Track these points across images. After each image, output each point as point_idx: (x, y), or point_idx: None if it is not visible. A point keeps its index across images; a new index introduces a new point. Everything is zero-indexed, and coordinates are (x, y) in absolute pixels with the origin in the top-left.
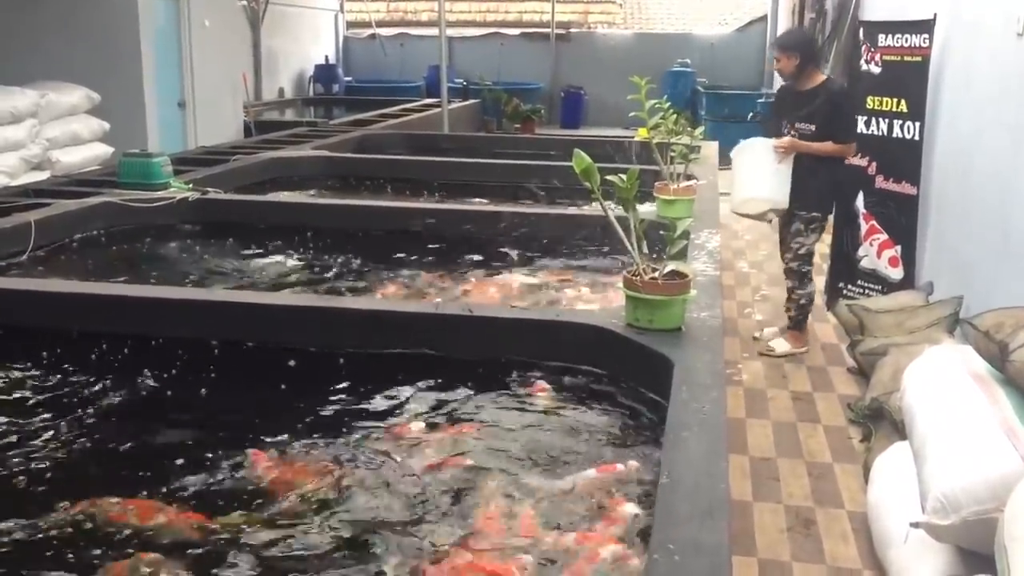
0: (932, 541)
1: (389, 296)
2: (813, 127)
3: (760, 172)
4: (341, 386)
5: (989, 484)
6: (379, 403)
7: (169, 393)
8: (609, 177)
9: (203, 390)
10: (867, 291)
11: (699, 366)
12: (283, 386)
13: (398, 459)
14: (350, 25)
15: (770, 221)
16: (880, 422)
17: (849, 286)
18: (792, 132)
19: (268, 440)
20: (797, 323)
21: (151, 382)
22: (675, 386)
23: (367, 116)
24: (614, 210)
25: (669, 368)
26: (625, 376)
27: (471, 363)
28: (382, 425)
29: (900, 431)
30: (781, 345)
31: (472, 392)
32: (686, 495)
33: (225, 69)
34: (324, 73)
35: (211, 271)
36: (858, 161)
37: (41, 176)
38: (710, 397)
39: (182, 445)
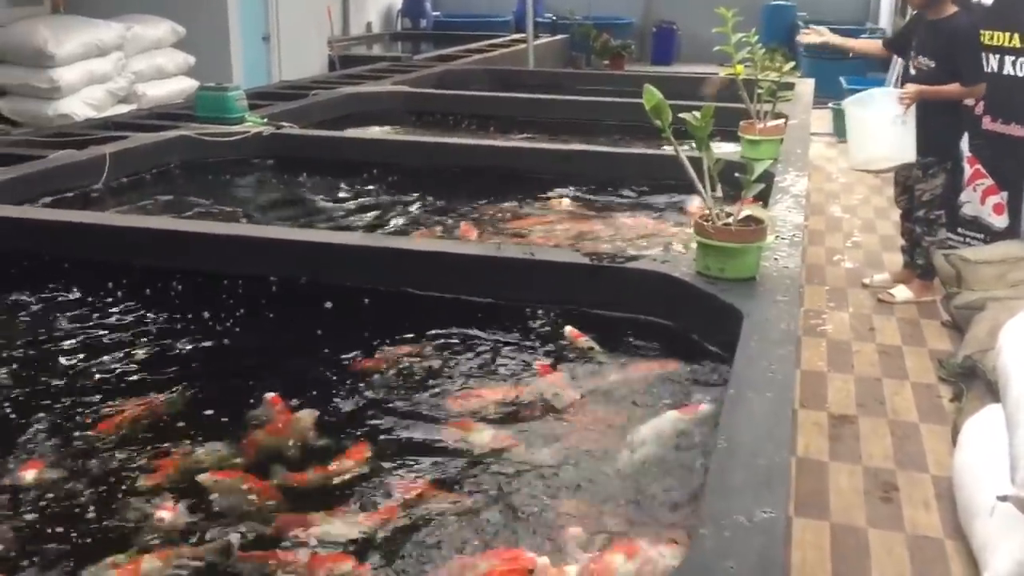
0: (1021, 516)
1: (455, 236)
2: (933, 64)
3: (884, 130)
4: (397, 328)
5: None
6: (434, 353)
7: (226, 329)
8: (682, 115)
9: (256, 328)
10: (967, 240)
11: (771, 319)
12: (334, 327)
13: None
14: None
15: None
16: (973, 381)
17: (949, 234)
18: (914, 65)
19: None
20: (926, 272)
21: (208, 319)
22: (743, 340)
23: (452, 51)
24: (690, 151)
25: (739, 320)
26: (692, 327)
27: (528, 309)
28: (438, 382)
29: (994, 393)
30: (903, 293)
31: (527, 340)
32: (743, 462)
33: (310, 3)
34: (412, 7)
35: (280, 207)
36: (965, 100)
37: (128, 109)
38: (780, 354)
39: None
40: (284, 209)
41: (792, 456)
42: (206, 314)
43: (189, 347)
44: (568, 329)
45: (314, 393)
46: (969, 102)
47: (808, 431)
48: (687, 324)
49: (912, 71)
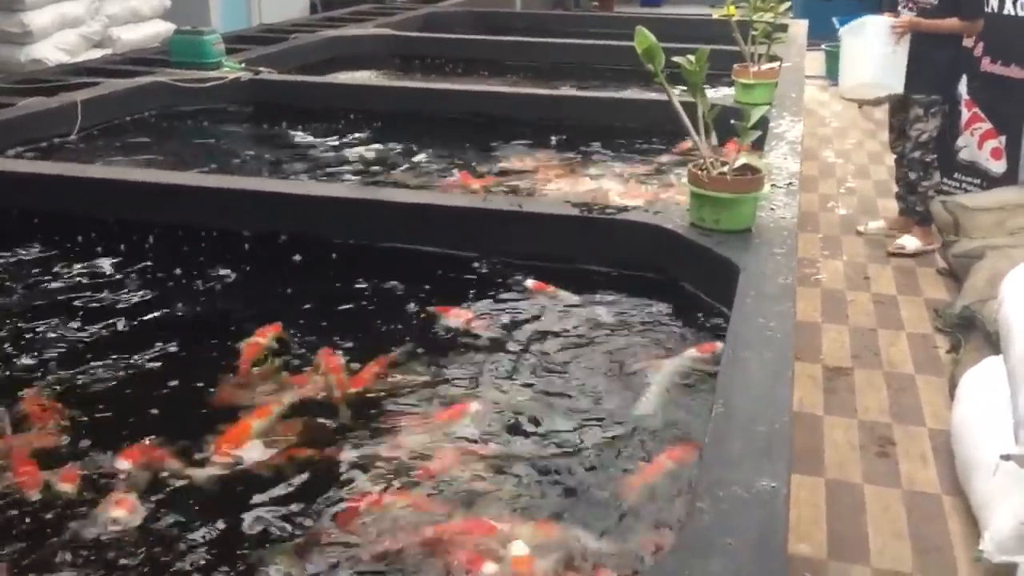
0: (1022, 472)
1: (441, 186)
2: (936, 0)
3: (874, 54)
4: (379, 282)
5: None
6: (416, 305)
7: (201, 286)
8: (676, 58)
9: (224, 280)
10: (964, 185)
11: (768, 273)
12: (313, 280)
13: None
14: None
15: (883, 104)
16: (971, 332)
17: (944, 179)
18: (909, 6)
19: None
20: (925, 218)
21: (179, 272)
22: (739, 296)
23: None
24: (684, 96)
25: (735, 274)
26: (687, 280)
27: (517, 263)
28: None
29: (993, 344)
30: (911, 242)
31: (516, 296)
32: (741, 429)
33: None
34: None
35: (258, 156)
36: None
37: (102, 53)
38: (778, 310)
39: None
40: (262, 159)
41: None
42: (180, 270)
43: (163, 307)
44: (530, 282)
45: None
46: (968, 43)
47: (803, 384)
48: (682, 277)
49: (909, 12)
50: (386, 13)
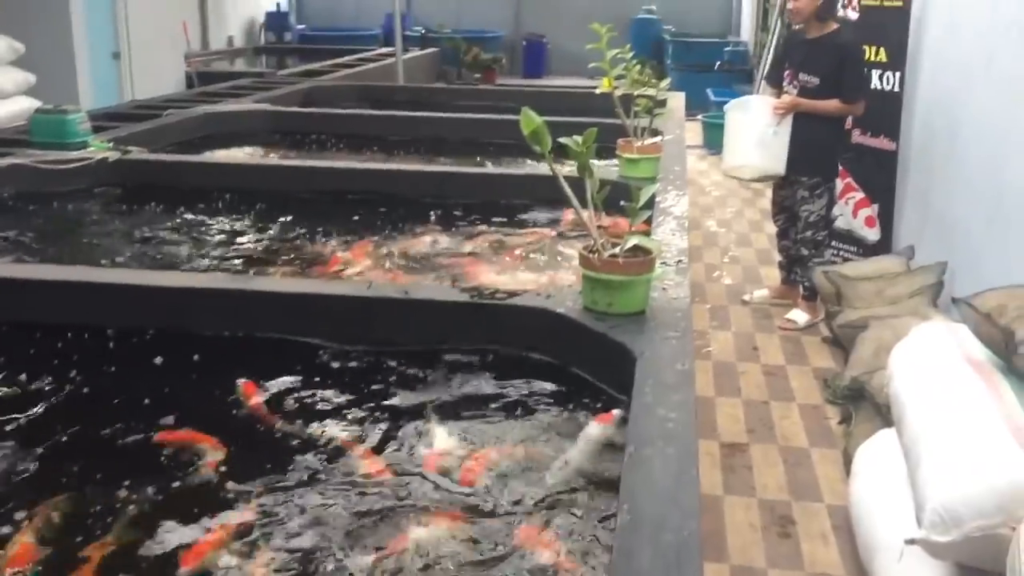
0: (928, 558)
1: (319, 271)
2: (817, 80)
3: (755, 135)
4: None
5: (996, 494)
6: (294, 401)
7: (54, 388)
8: (562, 140)
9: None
10: (841, 252)
11: (665, 359)
12: (186, 377)
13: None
14: None
15: (767, 182)
16: (861, 403)
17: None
18: (794, 83)
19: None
20: (813, 292)
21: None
22: (637, 386)
23: (319, 66)
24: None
25: (631, 362)
26: (582, 367)
27: (406, 352)
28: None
29: (884, 415)
30: (801, 317)
31: (404, 387)
32: (649, 537)
33: (164, 17)
34: (276, 20)
35: (125, 242)
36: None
37: None
38: (677, 399)
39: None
40: (127, 245)
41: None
42: (26, 375)
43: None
44: (241, 383)
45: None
46: None
47: (701, 463)
48: (576, 363)
49: (792, 90)
50: (265, 87)
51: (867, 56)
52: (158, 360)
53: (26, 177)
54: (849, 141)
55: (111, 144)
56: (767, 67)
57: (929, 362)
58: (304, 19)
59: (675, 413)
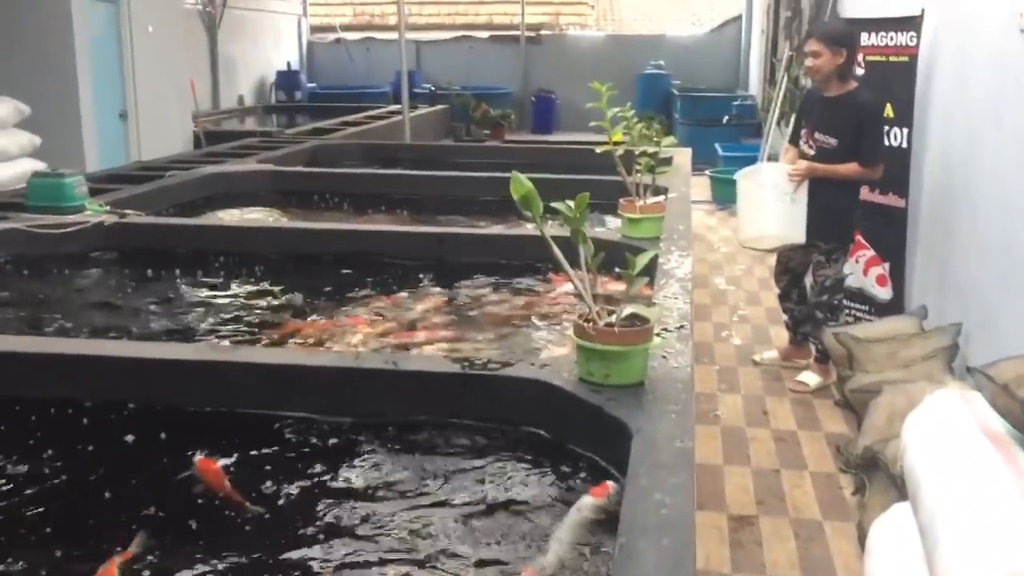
0: None
1: (307, 334)
2: (835, 141)
3: (772, 203)
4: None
5: None
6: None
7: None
8: (555, 204)
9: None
10: (853, 312)
11: (663, 436)
12: (160, 455)
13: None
14: (314, 29)
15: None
16: (875, 473)
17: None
18: (810, 143)
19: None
20: (825, 355)
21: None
22: (632, 467)
23: (327, 124)
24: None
25: (627, 437)
26: (576, 442)
27: (394, 425)
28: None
29: (899, 487)
30: (812, 379)
31: (392, 464)
32: None
33: (171, 77)
34: (286, 80)
35: (116, 309)
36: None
37: None
38: (675, 483)
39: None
40: (117, 313)
41: None
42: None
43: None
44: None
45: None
46: None
47: (707, 537)
48: (570, 438)
49: (809, 149)
50: (271, 147)
51: None
52: (129, 438)
53: (21, 242)
54: (858, 198)
55: (107, 208)
56: (791, 127)
57: (944, 434)
58: (315, 77)
59: (672, 498)
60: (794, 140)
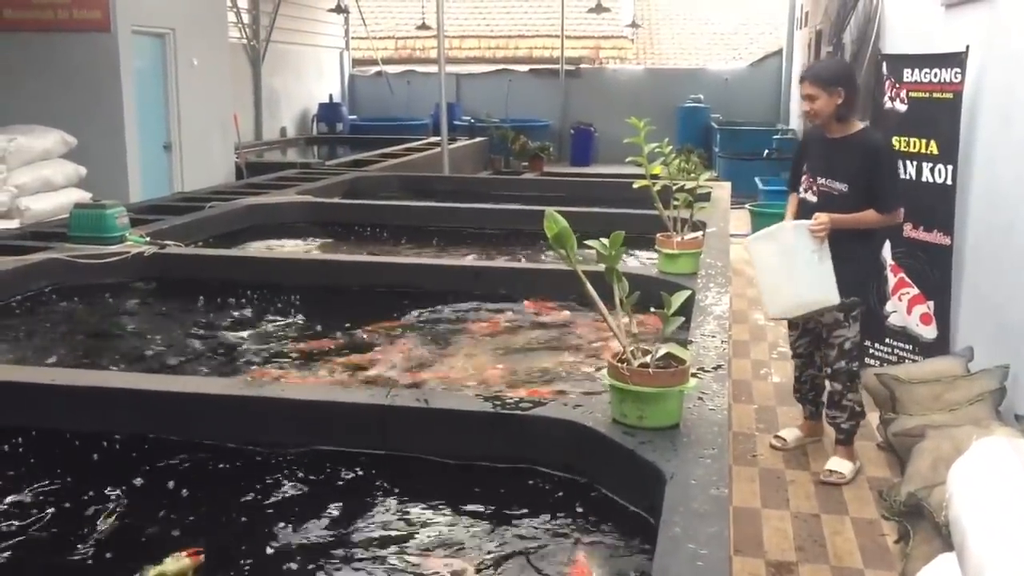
0: None
1: (341, 366)
2: (845, 187)
3: (802, 267)
4: (266, 496)
5: None
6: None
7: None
8: (589, 242)
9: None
10: (896, 351)
11: (698, 482)
12: (185, 492)
13: None
14: (356, 63)
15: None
16: (919, 521)
17: (876, 344)
18: (813, 189)
19: None
20: (850, 435)
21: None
22: (665, 514)
23: (366, 156)
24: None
25: (661, 482)
26: (607, 486)
27: (422, 463)
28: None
29: (944, 536)
30: (845, 466)
31: (419, 503)
32: None
33: (214, 109)
34: (328, 112)
35: (151, 339)
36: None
37: (10, 225)
38: (710, 532)
39: None
40: (148, 343)
41: None
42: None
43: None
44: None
45: None
46: None
47: None
48: (601, 481)
49: (811, 196)
50: (310, 178)
51: (917, 148)
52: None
53: (62, 271)
54: (901, 236)
55: (148, 239)
56: (790, 173)
57: (992, 483)
58: (356, 110)
59: (706, 549)
60: (794, 186)
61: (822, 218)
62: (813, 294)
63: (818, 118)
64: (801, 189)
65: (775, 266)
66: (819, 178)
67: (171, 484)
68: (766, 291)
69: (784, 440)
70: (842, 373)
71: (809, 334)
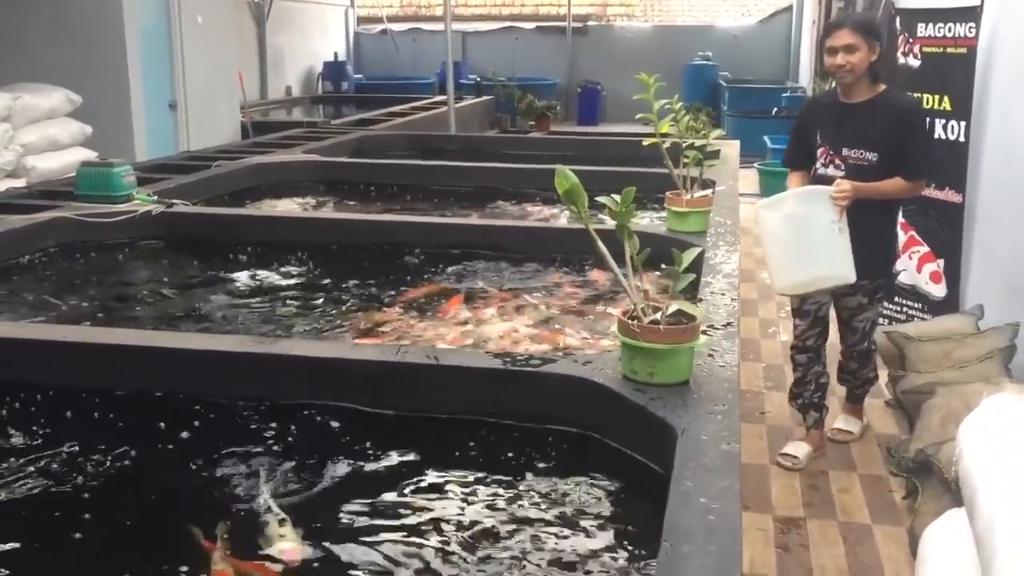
0: None
1: (356, 327)
2: (875, 156)
3: (820, 237)
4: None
5: None
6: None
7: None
8: (599, 198)
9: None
10: (905, 309)
11: (709, 438)
12: (196, 446)
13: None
14: (361, 20)
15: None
16: (927, 478)
17: (885, 303)
18: (837, 163)
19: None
20: (860, 396)
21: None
22: (676, 470)
23: (372, 115)
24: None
25: (672, 438)
26: (618, 440)
27: (430, 421)
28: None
29: (953, 492)
30: (854, 424)
31: (423, 459)
32: None
33: (220, 68)
34: (333, 70)
35: (161, 297)
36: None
37: (17, 184)
38: (721, 486)
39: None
40: (157, 301)
41: None
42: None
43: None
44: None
45: None
46: None
47: (753, 540)
48: (612, 436)
49: (836, 171)
50: (317, 137)
51: (930, 105)
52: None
53: (69, 230)
54: None
55: (155, 197)
56: (787, 149)
57: (1002, 439)
58: (361, 68)
59: (718, 503)
60: (795, 164)
61: (844, 185)
62: (831, 269)
63: (852, 75)
64: (819, 164)
65: (787, 236)
66: (844, 149)
67: (184, 439)
68: (775, 263)
69: (796, 458)
70: (861, 353)
71: (819, 323)
